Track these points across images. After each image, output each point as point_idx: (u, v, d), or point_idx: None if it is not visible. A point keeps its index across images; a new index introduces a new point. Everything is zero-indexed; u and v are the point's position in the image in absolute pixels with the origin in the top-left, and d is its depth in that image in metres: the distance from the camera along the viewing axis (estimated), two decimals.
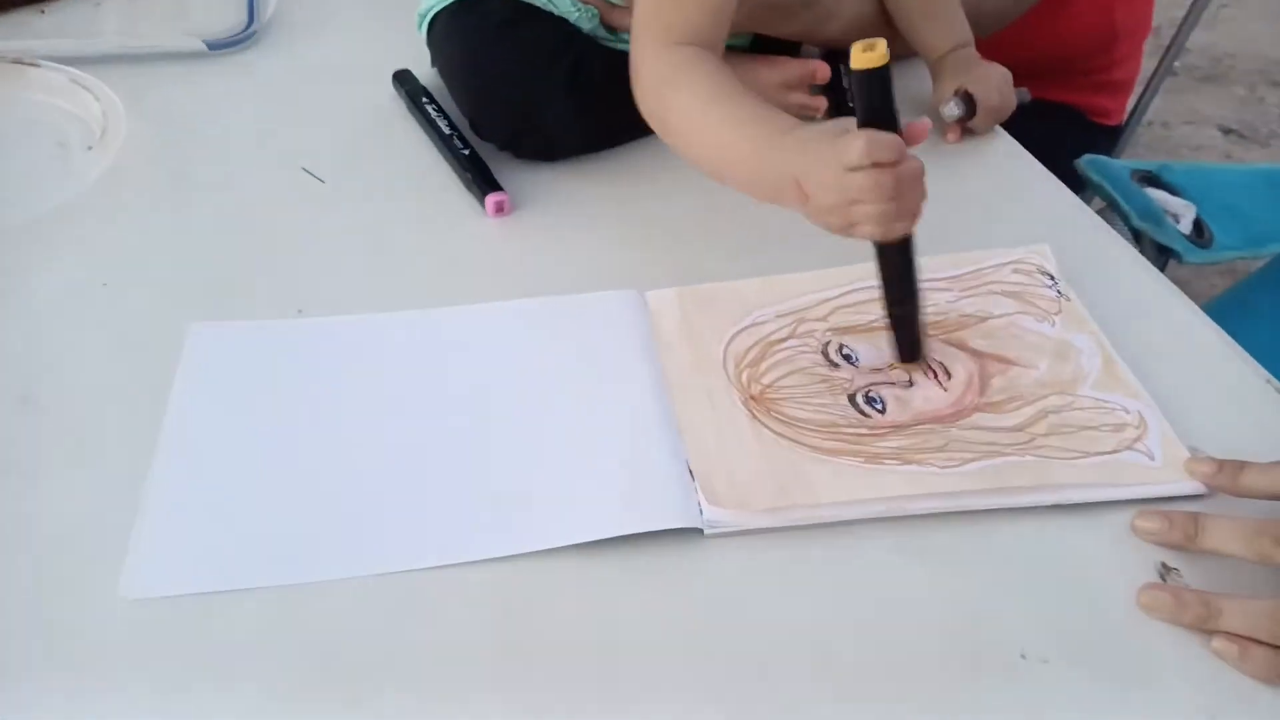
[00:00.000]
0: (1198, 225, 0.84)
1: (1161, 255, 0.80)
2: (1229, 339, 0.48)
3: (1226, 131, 2.18)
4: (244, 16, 0.66)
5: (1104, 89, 1.04)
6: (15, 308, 0.46)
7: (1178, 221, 0.84)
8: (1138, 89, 1.08)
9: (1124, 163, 0.87)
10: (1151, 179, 0.87)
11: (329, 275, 0.49)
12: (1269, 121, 2.23)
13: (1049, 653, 0.34)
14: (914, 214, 0.40)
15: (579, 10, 0.56)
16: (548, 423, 0.42)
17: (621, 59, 0.50)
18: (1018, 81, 0.74)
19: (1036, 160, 0.60)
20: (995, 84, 0.60)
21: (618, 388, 0.43)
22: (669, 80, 0.46)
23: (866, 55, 0.38)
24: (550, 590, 0.35)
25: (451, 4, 0.57)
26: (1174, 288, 0.51)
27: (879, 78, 0.39)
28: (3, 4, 0.65)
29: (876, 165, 0.38)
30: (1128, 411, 0.42)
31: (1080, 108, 1.03)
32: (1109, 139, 1.09)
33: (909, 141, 0.40)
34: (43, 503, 0.37)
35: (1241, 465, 0.38)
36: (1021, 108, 0.65)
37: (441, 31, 0.58)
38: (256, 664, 0.33)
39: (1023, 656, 0.34)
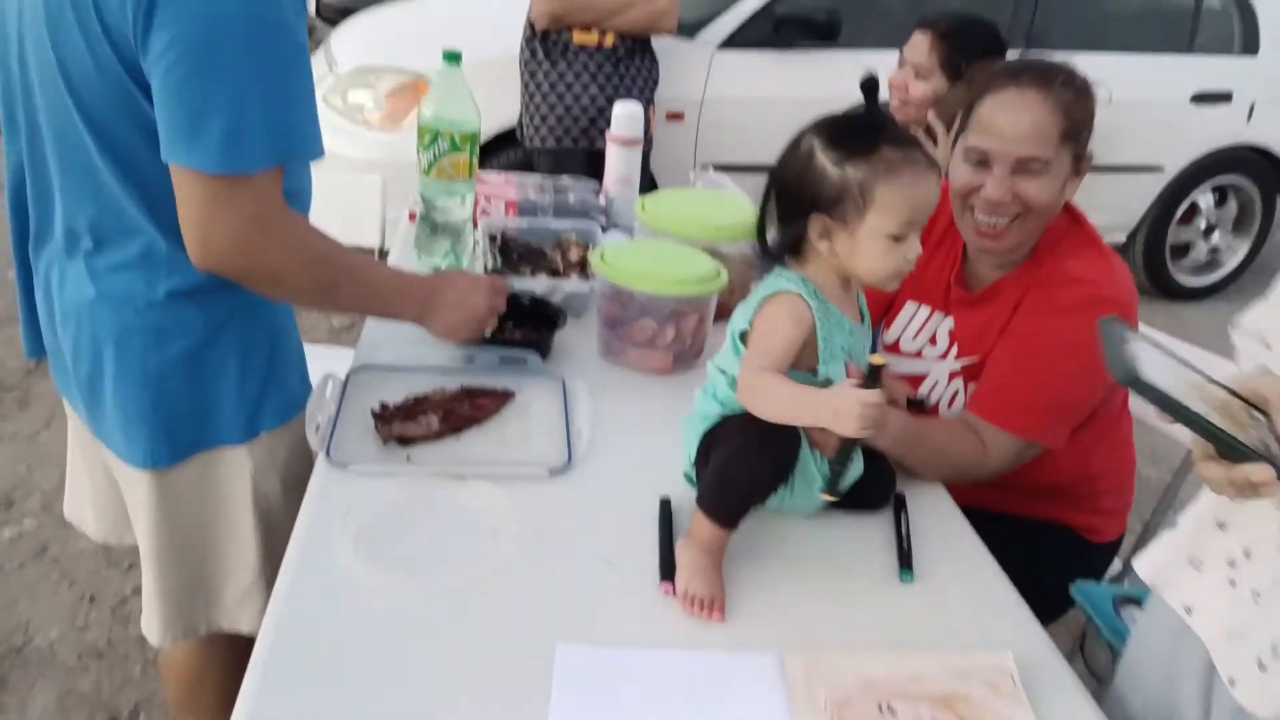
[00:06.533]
0: None
1: None
2: None
3: None
4: (565, 452, 1.18)
5: (1094, 514, 1.43)
6: (464, 641, 0.92)
7: None
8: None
9: (1110, 588, 1.26)
10: (1134, 600, 1.25)
11: (615, 619, 0.94)
12: None
13: None
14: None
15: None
16: None
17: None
18: (1018, 503, 1.22)
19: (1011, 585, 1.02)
20: None
21: None
22: (760, 380, 0.99)
23: (876, 357, 0.94)
24: None
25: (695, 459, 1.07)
26: (1087, 696, 0.90)
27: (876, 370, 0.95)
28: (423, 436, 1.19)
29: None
30: None
31: (1074, 527, 1.42)
32: (1105, 553, 1.46)
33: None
34: None
35: None
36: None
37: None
38: None
39: None
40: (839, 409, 0.92)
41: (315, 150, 1.07)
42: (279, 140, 1.01)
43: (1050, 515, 1.39)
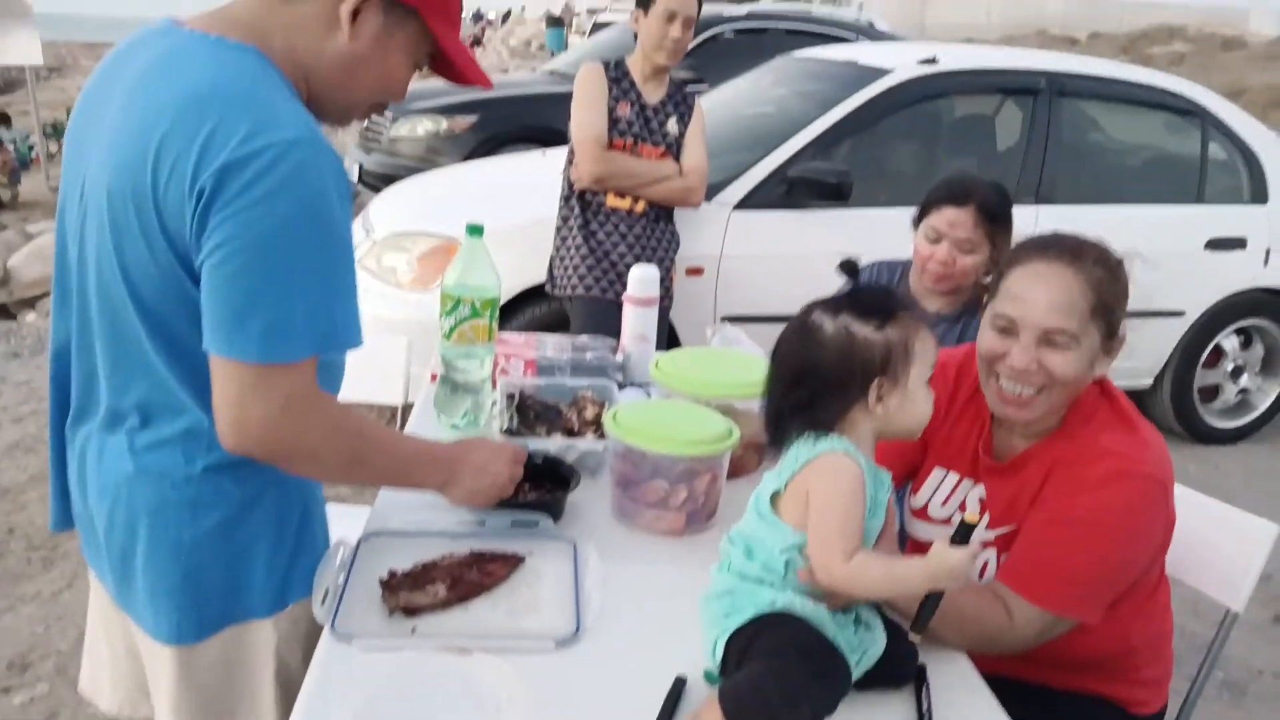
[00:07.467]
0: None
1: None
2: None
3: None
4: (574, 621, 1.15)
5: (1135, 685, 1.35)
6: None
7: None
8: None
9: None
10: None
11: None
12: None
13: None
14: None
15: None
16: None
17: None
18: (1050, 673, 1.21)
19: None
20: None
21: None
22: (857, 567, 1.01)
23: (970, 515, 0.98)
24: None
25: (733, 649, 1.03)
26: None
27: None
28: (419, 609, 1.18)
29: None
30: None
31: (1113, 699, 1.33)
32: None
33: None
34: None
35: None
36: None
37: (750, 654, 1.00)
38: None
39: None
40: (954, 573, 0.97)
41: (354, 340, 1.10)
42: (319, 334, 1.05)
43: (1087, 687, 1.31)
